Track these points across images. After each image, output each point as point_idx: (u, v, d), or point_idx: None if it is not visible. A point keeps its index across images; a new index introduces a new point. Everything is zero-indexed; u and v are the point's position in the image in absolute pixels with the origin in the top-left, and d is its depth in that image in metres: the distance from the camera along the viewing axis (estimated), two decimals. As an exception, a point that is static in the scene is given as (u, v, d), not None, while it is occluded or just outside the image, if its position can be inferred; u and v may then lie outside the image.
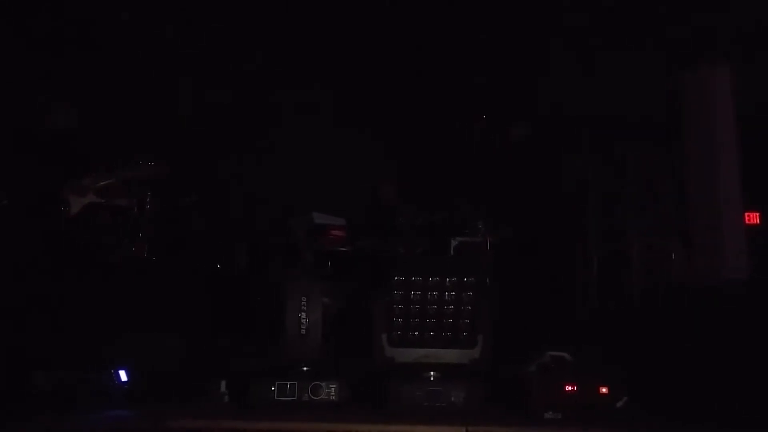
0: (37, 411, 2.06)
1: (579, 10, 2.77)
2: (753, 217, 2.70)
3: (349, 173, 3.01)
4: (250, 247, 2.69)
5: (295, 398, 2.17)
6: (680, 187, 2.59)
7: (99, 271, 2.44)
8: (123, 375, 2.20)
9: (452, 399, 2.20)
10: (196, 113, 3.07)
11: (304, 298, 2.25)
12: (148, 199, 2.72)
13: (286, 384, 2.17)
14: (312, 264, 2.39)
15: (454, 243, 2.62)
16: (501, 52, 2.95)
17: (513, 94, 3.01)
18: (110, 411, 2.10)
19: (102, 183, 2.64)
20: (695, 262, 2.51)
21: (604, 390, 2.13)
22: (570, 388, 2.14)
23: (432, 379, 2.24)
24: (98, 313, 2.27)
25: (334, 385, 2.19)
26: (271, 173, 3.00)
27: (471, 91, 3.03)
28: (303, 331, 2.24)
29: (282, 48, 3.02)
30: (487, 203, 2.79)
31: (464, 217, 2.73)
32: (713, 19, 2.66)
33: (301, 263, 2.39)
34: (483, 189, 2.89)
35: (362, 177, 3.00)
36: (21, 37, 2.93)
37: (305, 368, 2.23)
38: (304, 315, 2.25)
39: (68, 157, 2.77)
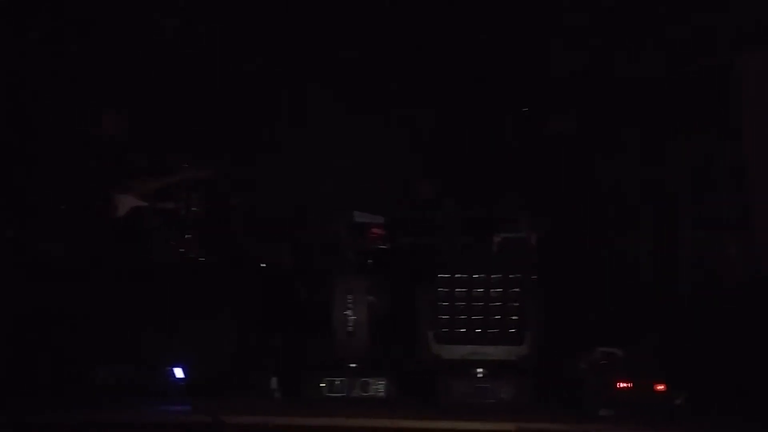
0: (100, 404, 2.16)
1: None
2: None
3: (388, 170, 3.03)
4: (292, 246, 2.74)
5: (345, 394, 2.20)
6: (739, 177, 2.52)
7: (153, 271, 2.52)
8: (179, 372, 2.27)
9: (501, 395, 2.20)
10: (238, 113, 3.14)
11: (350, 297, 2.28)
12: (193, 201, 2.81)
13: (336, 380, 2.20)
14: (356, 262, 2.41)
15: (496, 239, 2.61)
16: (543, 41, 2.92)
17: (556, 85, 2.97)
18: (167, 406, 2.17)
19: (148, 186, 2.74)
20: (754, 255, 2.44)
21: (660, 387, 2.09)
22: (624, 384, 2.11)
23: (480, 375, 2.24)
24: (155, 312, 2.35)
25: (383, 382, 2.22)
26: (311, 173, 3.04)
27: (511, 82, 3.01)
28: (350, 329, 2.27)
29: (317, 42, 3.06)
30: (530, 197, 2.77)
31: (507, 212, 2.71)
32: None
33: (346, 262, 2.42)
34: (526, 183, 2.87)
35: (401, 173, 3.02)
36: (73, 50, 3.06)
37: (353, 365, 2.25)
38: (350, 313, 2.28)
39: (117, 161, 2.87)
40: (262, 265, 2.71)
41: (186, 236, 2.71)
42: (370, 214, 2.76)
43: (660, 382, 2.11)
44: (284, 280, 2.55)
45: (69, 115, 3.02)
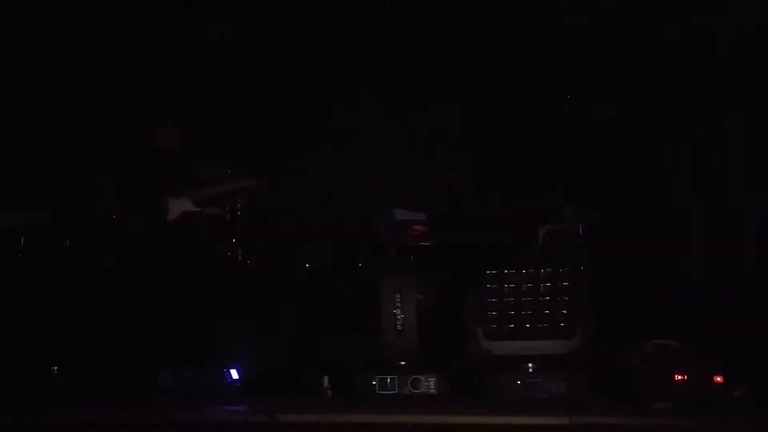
0: (162, 405, 2.24)
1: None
2: None
3: (428, 166, 3.03)
4: (336, 245, 2.78)
5: (396, 391, 2.23)
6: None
7: (205, 275, 2.60)
8: (234, 373, 2.34)
9: (552, 390, 2.19)
10: (281, 118, 3.21)
11: (398, 295, 2.30)
12: (239, 205, 2.89)
13: (387, 378, 2.23)
14: (402, 260, 2.43)
15: (542, 231, 2.58)
16: (588, 27, 2.87)
17: (607, 69, 2.89)
18: (224, 406, 2.24)
19: (201, 194, 2.82)
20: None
21: (718, 378, 2.04)
22: (680, 377, 2.06)
23: (531, 370, 2.23)
24: (210, 315, 2.43)
25: (433, 378, 2.23)
26: (351, 171, 3.06)
27: (555, 68, 2.96)
28: (399, 327, 2.30)
29: (351, 41, 3.09)
30: (577, 187, 2.73)
31: (552, 204, 2.68)
32: None
33: (393, 260, 2.44)
34: (572, 172, 2.83)
35: (442, 168, 3.01)
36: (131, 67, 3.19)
37: (403, 363, 2.28)
38: (398, 311, 2.30)
39: (171, 171, 2.96)
40: (306, 265, 2.76)
41: (233, 240, 2.79)
42: (411, 211, 2.78)
43: (718, 374, 2.06)
44: (334, 280, 2.59)
45: (122, 125, 3.16)
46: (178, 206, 2.81)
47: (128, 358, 2.38)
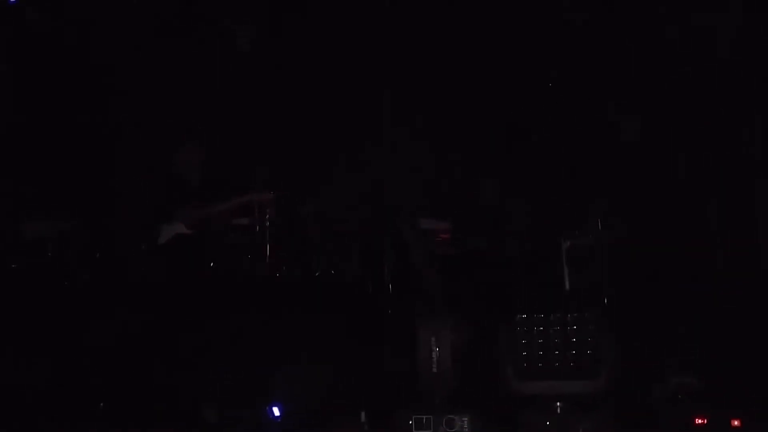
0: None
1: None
2: None
3: (453, 176, 3.08)
4: (363, 255, 2.87)
5: (431, 430, 2.34)
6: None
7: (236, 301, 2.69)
8: (276, 411, 2.45)
9: (580, 429, 2.31)
10: (304, 130, 3.25)
11: (433, 338, 2.41)
12: (267, 218, 2.96)
13: (423, 418, 2.35)
14: (439, 301, 2.54)
15: (565, 245, 2.69)
16: (616, 43, 2.92)
17: (627, 83, 2.94)
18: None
19: (198, 214, 2.88)
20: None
21: (736, 423, 2.16)
22: (700, 421, 2.19)
23: (559, 410, 2.35)
24: (253, 353, 2.53)
25: (466, 418, 2.35)
26: (376, 181, 3.12)
27: (582, 84, 3.01)
28: (434, 369, 2.41)
29: (378, 56, 3.14)
30: (599, 201, 2.80)
31: (576, 217, 2.76)
32: None
33: (429, 303, 2.54)
34: (595, 187, 2.89)
35: (467, 179, 3.06)
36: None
37: (439, 402, 2.39)
38: (434, 353, 2.41)
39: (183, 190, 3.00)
40: (331, 271, 2.85)
41: (263, 253, 2.88)
42: (436, 220, 2.87)
43: (736, 418, 2.18)
44: (371, 318, 2.68)
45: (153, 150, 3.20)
46: (170, 230, 2.87)
47: (174, 394, 2.49)
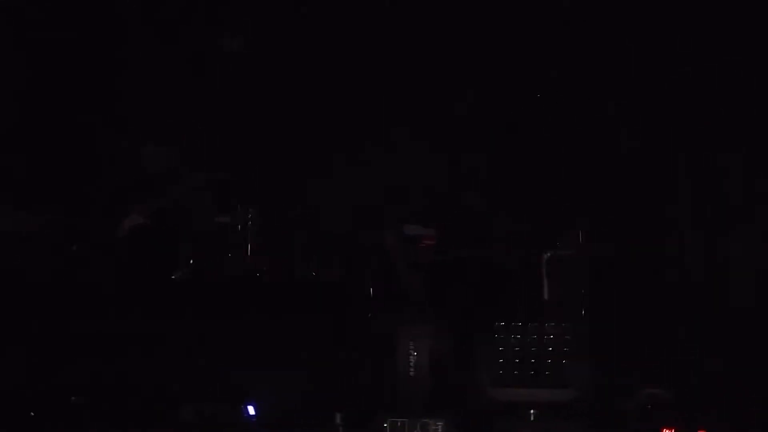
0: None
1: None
2: None
3: (440, 184, 3.11)
4: (346, 259, 2.88)
5: (406, 434, 2.36)
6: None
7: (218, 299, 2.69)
8: (251, 409, 2.45)
9: (553, 437, 2.35)
10: (291, 129, 3.26)
11: (411, 343, 2.43)
12: (249, 215, 2.96)
13: (397, 421, 2.36)
14: (418, 309, 2.56)
15: (546, 256, 2.73)
16: (603, 62, 2.97)
17: (618, 101, 2.99)
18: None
19: (146, 206, 2.86)
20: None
21: (703, 435, 2.22)
22: (668, 431, 2.24)
23: (532, 418, 2.39)
24: (229, 352, 2.53)
25: (441, 423, 2.37)
26: (362, 186, 3.14)
27: (569, 99, 3.05)
28: (411, 373, 2.43)
29: (363, 61, 3.16)
30: (582, 216, 2.84)
31: (557, 229, 2.81)
32: None
33: (409, 308, 2.57)
34: (579, 201, 2.93)
35: (454, 187, 3.09)
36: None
37: (415, 406, 2.41)
38: (412, 357, 2.43)
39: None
40: (312, 273, 2.86)
41: (245, 251, 2.87)
42: (421, 226, 2.89)
43: (702, 428, 2.23)
44: (350, 322, 2.70)
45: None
46: (128, 223, 2.85)
47: (150, 391, 2.48)
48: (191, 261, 2.89)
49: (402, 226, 2.88)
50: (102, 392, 2.47)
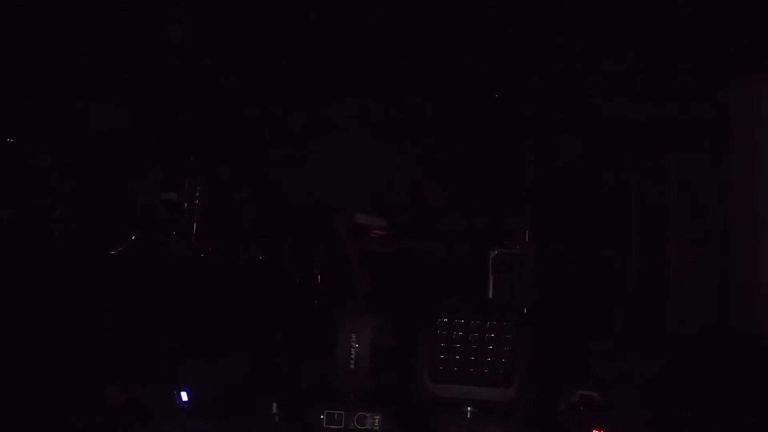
0: (108, 424, 2.26)
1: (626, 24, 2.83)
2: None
3: (395, 176, 3.10)
4: (295, 245, 2.84)
5: (342, 427, 2.34)
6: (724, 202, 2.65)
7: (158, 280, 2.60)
8: (184, 395, 2.38)
9: (489, 434, 2.37)
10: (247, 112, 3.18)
11: (353, 335, 2.40)
12: (197, 194, 2.87)
13: (334, 414, 2.34)
14: (362, 301, 2.53)
15: (492, 253, 2.75)
16: (546, 66, 3.01)
17: (562, 105, 3.05)
18: (173, 427, 2.29)
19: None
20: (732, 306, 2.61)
21: (633, 437, 2.27)
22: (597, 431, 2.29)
23: (469, 415, 2.40)
24: (162, 330, 2.45)
25: (378, 416, 2.36)
26: (318, 174, 3.10)
27: (522, 102, 3.09)
28: (351, 365, 2.40)
29: (323, 47, 3.10)
30: (529, 215, 2.88)
31: (506, 227, 2.83)
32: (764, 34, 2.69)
33: (353, 299, 2.54)
34: (526, 201, 2.97)
35: (408, 179, 3.09)
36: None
37: (352, 398, 2.39)
38: (353, 349, 2.41)
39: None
40: (259, 257, 2.80)
41: (191, 230, 2.79)
42: (374, 216, 2.87)
43: (631, 430, 2.29)
44: (293, 309, 2.66)
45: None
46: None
47: (74, 369, 2.38)
48: (132, 237, 2.80)
49: (353, 214, 2.84)
50: (25, 373, 2.35)
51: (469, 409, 2.41)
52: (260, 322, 2.53)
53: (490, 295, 2.68)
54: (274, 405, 2.43)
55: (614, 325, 2.85)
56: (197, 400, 2.39)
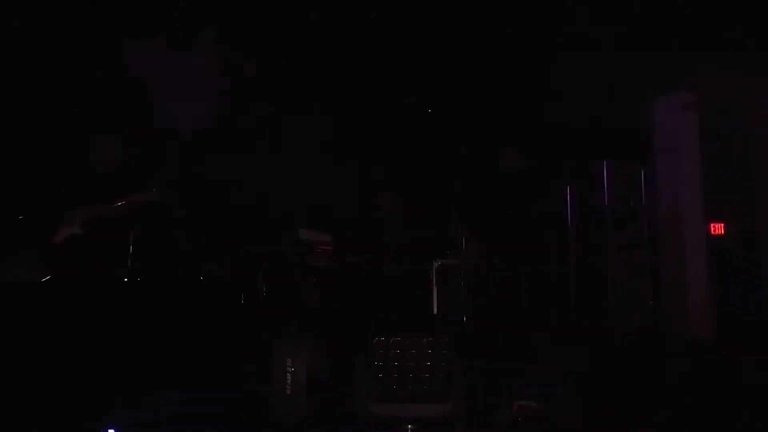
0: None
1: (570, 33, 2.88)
2: (717, 228, 2.88)
3: (339, 190, 3.10)
4: (236, 262, 2.80)
5: (282, 453, 2.31)
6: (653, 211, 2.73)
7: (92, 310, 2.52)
8: (113, 434, 2.31)
9: (429, 451, 2.37)
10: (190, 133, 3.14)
11: (289, 359, 2.38)
12: (135, 217, 2.80)
13: (274, 440, 2.31)
14: (296, 322, 2.51)
15: (435, 264, 2.76)
16: (491, 79, 3.05)
17: (502, 119, 3.10)
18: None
19: (90, 214, 2.72)
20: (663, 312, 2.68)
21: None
22: (535, 442, 2.31)
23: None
24: (88, 366, 2.37)
25: (318, 440, 2.34)
26: (262, 187, 3.07)
27: (463, 114, 3.12)
28: (288, 390, 2.38)
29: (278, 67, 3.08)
30: (472, 227, 2.91)
31: (449, 239, 2.85)
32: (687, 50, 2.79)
33: (287, 324, 2.51)
34: (469, 213, 3.00)
35: (352, 194, 3.10)
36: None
37: (291, 423, 2.36)
38: (289, 375, 2.38)
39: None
40: (200, 277, 2.75)
41: (129, 256, 2.72)
42: (318, 232, 2.85)
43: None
44: (227, 337, 2.61)
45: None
46: (65, 230, 2.70)
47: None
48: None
49: (298, 230, 2.81)
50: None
51: (409, 426, 2.40)
52: (193, 352, 2.48)
53: (435, 309, 2.69)
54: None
55: (552, 328, 2.89)
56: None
